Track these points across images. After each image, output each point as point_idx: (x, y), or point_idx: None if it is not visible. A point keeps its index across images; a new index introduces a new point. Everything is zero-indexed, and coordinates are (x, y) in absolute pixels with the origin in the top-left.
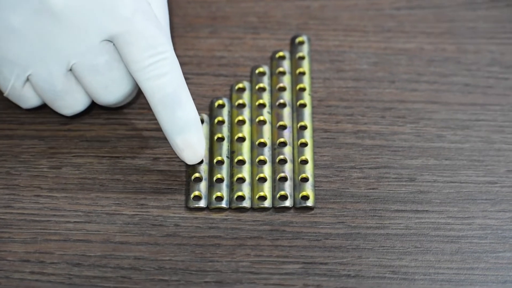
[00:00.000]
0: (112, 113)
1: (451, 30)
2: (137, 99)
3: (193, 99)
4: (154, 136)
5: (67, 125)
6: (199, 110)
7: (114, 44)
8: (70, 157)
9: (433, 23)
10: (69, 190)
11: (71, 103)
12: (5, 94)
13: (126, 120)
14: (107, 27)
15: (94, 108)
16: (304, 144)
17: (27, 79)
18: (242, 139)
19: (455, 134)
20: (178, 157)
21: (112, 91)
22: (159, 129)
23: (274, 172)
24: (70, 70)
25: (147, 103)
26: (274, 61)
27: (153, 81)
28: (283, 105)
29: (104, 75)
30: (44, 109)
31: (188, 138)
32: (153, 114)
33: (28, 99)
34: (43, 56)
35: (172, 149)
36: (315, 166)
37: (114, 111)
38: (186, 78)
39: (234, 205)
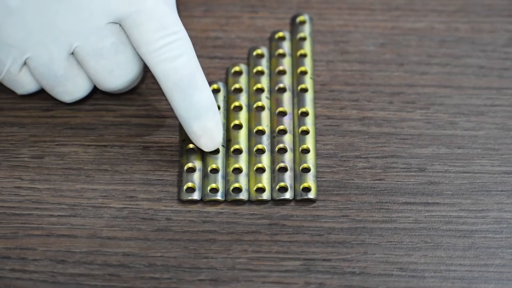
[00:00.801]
0: (99, 99)
1: (464, 8)
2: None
3: None
4: (144, 123)
5: (50, 111)
6: None
7: (120, 26)
8: (53, 145)
9: (445, 0)
10: (52, 181)
11: (72, 89)
12: None
13: (114, 106)
14: (114, 7)
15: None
16: (306, 132)
17: (25, 63)
18: (239, 127)
19: (469, 120)
20: (170, 146)
21: (117, 76)
22: (149, 115)
23: (273, 162)
24: (72, 53)
25: (136, 87)
26: (273, 42)
27: (167, 63)
28: (282, 90)
29: (109, 59)
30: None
31: (206, 123)
32: (143, 100)
33: (25, 84)
34: (43, 38)
35: (161, 137)
36: (317, 155)
37: (101, 96)
38: None
39: (230, 198)
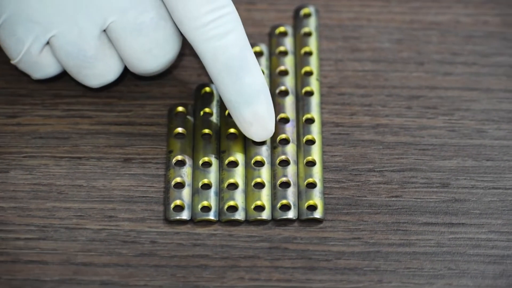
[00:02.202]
0: (72, 103)
1: None
2: (104, 86)
3: (174, 85)
4: (125, 132)
5: (15, 118)
6: (181, 99)
7: None
8: (20, 158)
9: None
10: (19, 199)
11: (102, 71)
12: (14, 62)
13: (90, 112)
14: None
15: (49, 97)
16: (311, 142)
17: (47, 43)
18: (234, 136)
19: (499, 128)
20: (155, 158)
21: (155, 56)
22: (130, 123)
23: (273, 176)
24: (104, 31)
25: (116, 90)
26: (274, 38)
27: (215, 41)
28: (284, 93)
29: (148, 36)
30: None
31: (258, 109)
32: (123, 105)
33: (44, 67)
34: (73, 13)
35: (145, 148)
36: (325, 168)
37: (75, 100)
38: None
39: (224, 218)
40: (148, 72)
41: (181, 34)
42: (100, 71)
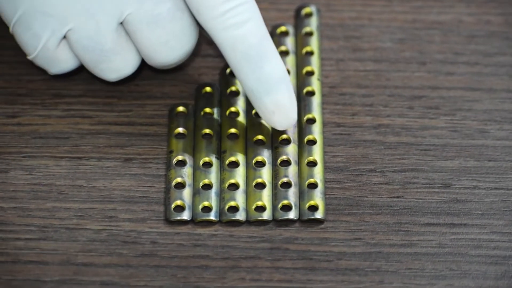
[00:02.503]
0: (72, 103)
1: None
2: (102, 85)
3: (175, 85)
4: (125, 132)
5: (15, 118)
6: (182, 98)
7: None
8: (20, 158)
9: None
10: (19, 199)
11: (119, 64)
12: (30, 57)
13: (90, 112)
14: None
15: (49, 96)
16: (312, 142)
17: (64, 37)
18: (235, 136)
19: (502, 128)
20: (155, 158)
21: (173, 48)
22: (131, 123)
23: (274, 176)
24: (121, 23)
25: (116, 90)
26: (275, 37)
27: (234, 30)
28: None
29: (165, 27)
30: None
31: (279, 97)
32: (124, 105)
33: (62, 61)
34: (90, 6)
35: (146, 148)
36: (326, 169)
37: (75, 100)
38: None
39: (225, 218)
40: (166, 64)
41: (198, 26)
42: (117, 64)
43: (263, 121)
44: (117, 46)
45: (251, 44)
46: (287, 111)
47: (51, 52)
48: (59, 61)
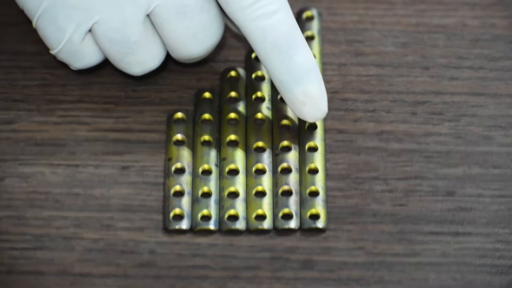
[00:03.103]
0: (69, 109)
1: (502, 0)
2: (100, 91)
3: (173, 91)
4: (123, 139)
5: (11, 125)
6: (181, 104)
7: None
8: (16, 165)
9: None
10: (14, 207)
11: (145, 58)
12: (54, 51)
13: (87, 118)
14: None
15: (45, 102)
16: (313, 149)
17: (89, 30)
18: (235, 143)
19: (507, 135)
20: (153, 166)
21: (200, 40)
22: (128, 129)
23: (275, 184)
24: (148, 15)
25: (114, 96)
26: None
27: (263, 20)
28: None
29: (193, 19)
30: None
31: (310, 88)
32: (122, 111)
33: (86, 56)
34: None
35: (144, 155)
36: (327, 176)
37: (72, 106)
38: (163, 65)
39: (224, 227)
40: (192, 57)
41: (224, 17)
42: (143, 57)
43: (263, 128)
44: (144, 38)
45: (281, 34)
46: (318, 102)
47: (75, 46)
48: (84, 56)
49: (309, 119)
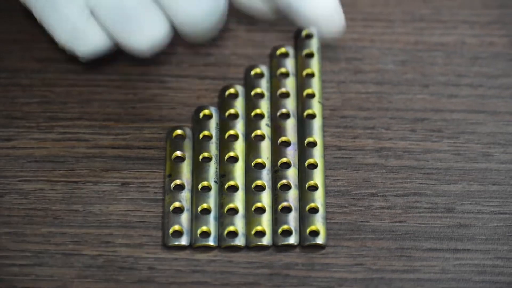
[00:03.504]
0: (68, 126)
1: (501, 19)
2: (99, 108)
3: (173, 108)
4: (122, 155)
5: (10, 141)
6: (180, 121)
7: None
8: (15, 182)
9: (479, 9)
10: (13, 224)
11: (145, 26)
12: (61, 42)
13: (87, 135)
14: None
15: (44, 119)
16: (313, 166)
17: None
18: (234, 159)
19: (506, 152)
20: (152, 182)
21: (200, 7)
22: (128, 146)
23: (274, 201)
24: None
25: (113, 112)
26: (275, 59)
27: None
28: (285, 116)
29: None
30: None
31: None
32: (121, 128)
33: (92, 40)
34: None
35: (143, 171)
36: (327, 193)
37: (71, 123)
38: (163, 81)
39: (224, 243)
40: (198, 28)
41: None
42: (142, 25)
43: (262, 144)
44: (141, 6)
45: None
46: (333, 16)
47: (80, 32)
48: (91, 40)
49: (326, 33)
